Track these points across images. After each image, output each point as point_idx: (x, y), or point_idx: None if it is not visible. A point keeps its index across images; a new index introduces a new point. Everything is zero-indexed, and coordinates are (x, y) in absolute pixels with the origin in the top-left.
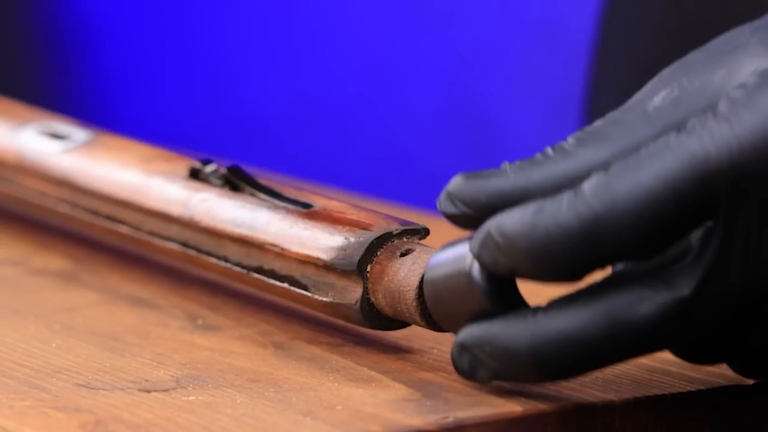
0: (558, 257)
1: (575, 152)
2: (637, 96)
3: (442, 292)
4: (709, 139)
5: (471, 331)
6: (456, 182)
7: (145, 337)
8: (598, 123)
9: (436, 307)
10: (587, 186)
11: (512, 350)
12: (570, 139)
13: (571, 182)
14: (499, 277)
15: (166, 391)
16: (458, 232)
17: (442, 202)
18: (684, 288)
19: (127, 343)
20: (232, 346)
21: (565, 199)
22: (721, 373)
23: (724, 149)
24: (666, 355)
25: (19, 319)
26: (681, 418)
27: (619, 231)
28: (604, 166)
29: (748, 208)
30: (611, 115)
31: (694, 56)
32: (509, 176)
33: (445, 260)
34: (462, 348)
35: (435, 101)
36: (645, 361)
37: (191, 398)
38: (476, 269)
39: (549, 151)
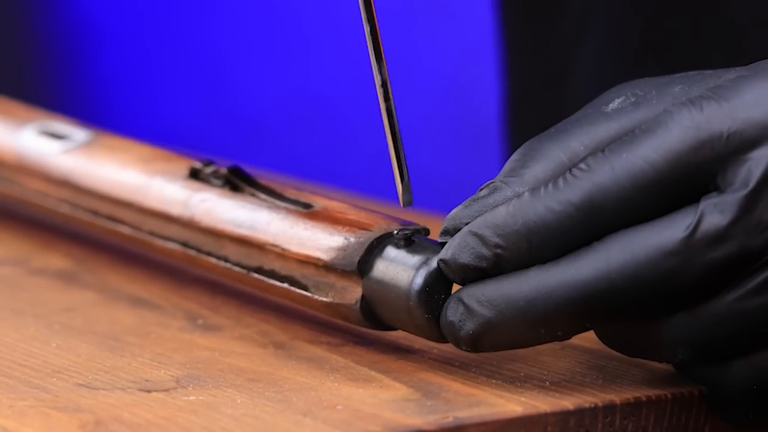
0: (556, 229)
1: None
2: (588, 106)
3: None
4: (699, 113)
5: (470, 285)
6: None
7: (145, 337)
8: (556, 125)
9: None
10: (585, 162)
11: (510, 295)
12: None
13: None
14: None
15: (166, 391)
16: None
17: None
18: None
19: (127, 343)
20: (232, 346)
21: (562, 177)
22: None
23: (716, 119)
24: None
25: (19, 319)
26: (681, 418)
27: (619, 195)
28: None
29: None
30: (570, 118)
31: (641, 79)
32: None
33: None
34: (457, 300)
35: (435, 101)
36: (645, 361)
37: (191, 398)
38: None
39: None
